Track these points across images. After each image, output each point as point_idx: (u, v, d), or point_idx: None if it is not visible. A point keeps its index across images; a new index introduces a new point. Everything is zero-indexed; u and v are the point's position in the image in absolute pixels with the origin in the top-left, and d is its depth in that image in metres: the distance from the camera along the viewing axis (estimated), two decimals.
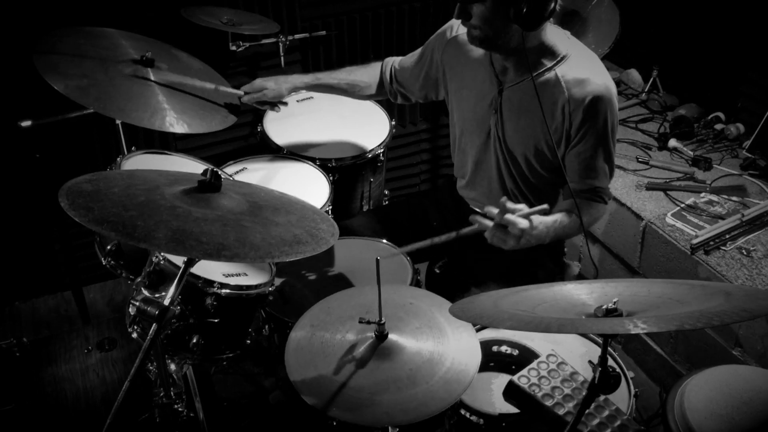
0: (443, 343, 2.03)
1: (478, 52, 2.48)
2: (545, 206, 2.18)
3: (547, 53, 2.35)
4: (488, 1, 2.18)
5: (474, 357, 2.00)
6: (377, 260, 1.92)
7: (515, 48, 2.30)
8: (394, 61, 2.83)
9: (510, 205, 2.14)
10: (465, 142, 2.66)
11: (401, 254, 2.65)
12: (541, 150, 2.44)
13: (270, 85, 2.77)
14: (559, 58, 2.35)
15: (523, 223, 2.13)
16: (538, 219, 2.21)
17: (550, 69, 2.35)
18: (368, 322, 2.00)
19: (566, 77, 2.33)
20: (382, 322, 1.99)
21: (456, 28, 2.57)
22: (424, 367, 1.96)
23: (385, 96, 2.91)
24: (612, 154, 2.42)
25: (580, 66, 2.35)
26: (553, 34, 2.35)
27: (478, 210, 2.72)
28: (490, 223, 2.17)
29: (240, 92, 2.73)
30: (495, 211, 2.17)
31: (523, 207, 2.17)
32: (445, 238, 2.25)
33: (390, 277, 2.54)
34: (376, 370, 1.96)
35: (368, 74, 2.85)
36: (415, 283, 2.57)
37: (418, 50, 2.75)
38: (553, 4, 2.19)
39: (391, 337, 2.02)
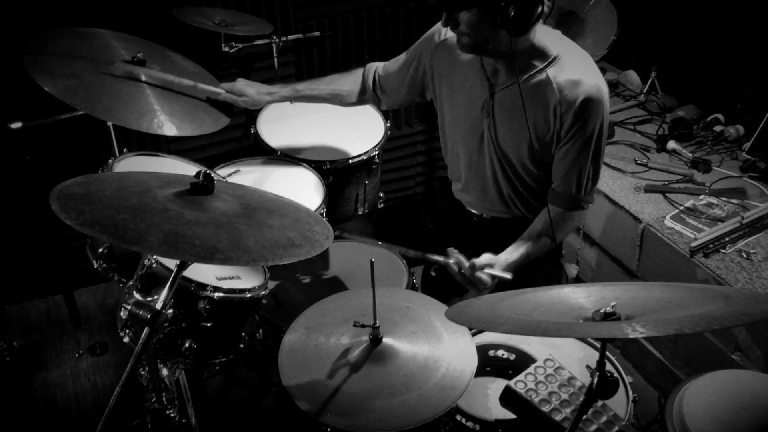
0: (439, 348, 2.02)
1: (468, 55, 2.46)
2: (509, 276, 2.31)
3: (538, 55, 2.34)
4: (475, 8, 2.17)
5: (470, 364, 1.98)
6: (371, 262, 1.90)
7: (505, 52, 2.29)
8: (377, 67, 2.79)
9: (478, 262, 2.30)
10: (458, 146, 2.64)
11: (397, 257, 2.63)
12: (535, 151, 2.42)
13: (250, 92, 2.72)
14: (550, 59, 2.33)
15: (488, 283, 2.31)
16: (503, 262, 2.36)
17: (541, 70, 2.34)
18: (362, 326, 1.98)
19: (558, 79, 2.32)
20: (377, 325, 1.97)
21: (444, 31, 2.55)
22: (419, 373, 1.94)
23: (368, 102, 2.88)
24: (600, 157, 2.41)
25: (572, 67, 2.33)
26: (544, 35, 2.33)
27: (474, 212, 2.71)
28: (455, 268, 2.33)
29: (220, 91, 2.70)
30: (465, 263, 2.30)
31: (488, 261, 2.32)
32: (413, 254, 2.42)
33: (385, 280, 2.52)
34: (370, 374, 1.94)
35: (349, 82, 2.81)
36: (411, 286, 2.55)
37: (402, 55, 2.72)
38: (540, 8, 2.17)
39: (386, 341, 2.01)
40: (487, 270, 2.29)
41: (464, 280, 2.31)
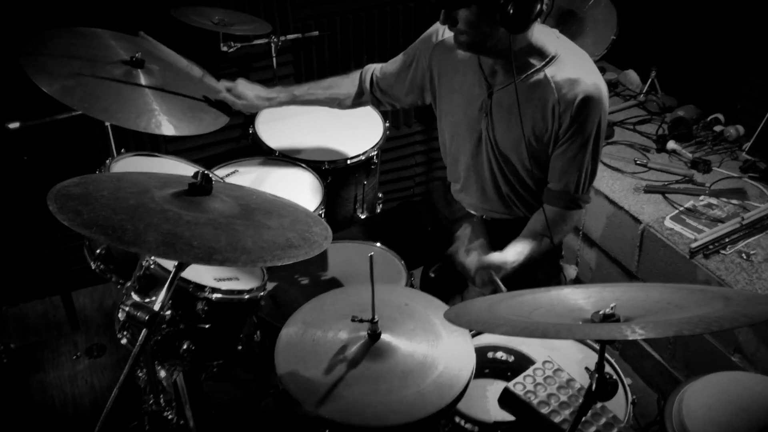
0: (437, 347, 2.01)
1: (466, 54, 2.45)
2: (504, 289, 2.29)
3: (536, 54, 2.33)
4: (474, 5, 2.17)
5: (468, 363, 1.97)
6: (370, 257, 1.89)
7: (503, 50, 2.28)
8: (374, 69, 2.78)
9: (484, 260, 2.35)
10: (456, 147, 2.64)
11: (395, 258, 2.63)
12: (533, 151, 2.41)
13: (249, 96, 2.70)
14: (548, 59, 2.33)
15: (484, 283, 2.34)
16: (509, 266, 2.37)
17: (539, 70, 2.33)
18: (361, 320, 1.97)
19: (556, 78, 2.31)
20: (375, 320, 1.96)
21: (442, 31, 2.54)
22: (417, 370, 1.93)
23: (366, 104, 2.86)
24: (597, 155, 2.41)
25: (570, 66, 2.32)
26: (542, 34, 2.33)
27: (473, 212, 2.70)
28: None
29: (221, 89, 2.68)
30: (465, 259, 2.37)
31: (499, 263, 2.35)
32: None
33: (384, 281, 2.51)
34: (368, 370, 1.93)
35: (346, 86, 2.80)
36: (410, 287, 2.54)
37: (400, 56, 2.71)
38: (539, 6, 2.17)
39: (384, 337, 1.99)
40: (492, 273, 2.31)
41: (464, 272, 2.34)
